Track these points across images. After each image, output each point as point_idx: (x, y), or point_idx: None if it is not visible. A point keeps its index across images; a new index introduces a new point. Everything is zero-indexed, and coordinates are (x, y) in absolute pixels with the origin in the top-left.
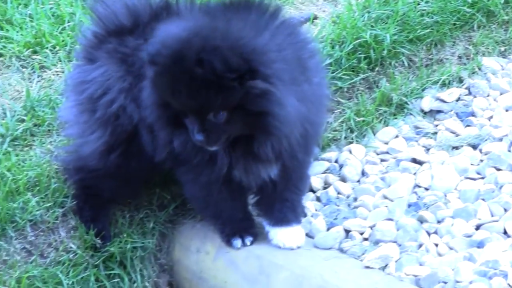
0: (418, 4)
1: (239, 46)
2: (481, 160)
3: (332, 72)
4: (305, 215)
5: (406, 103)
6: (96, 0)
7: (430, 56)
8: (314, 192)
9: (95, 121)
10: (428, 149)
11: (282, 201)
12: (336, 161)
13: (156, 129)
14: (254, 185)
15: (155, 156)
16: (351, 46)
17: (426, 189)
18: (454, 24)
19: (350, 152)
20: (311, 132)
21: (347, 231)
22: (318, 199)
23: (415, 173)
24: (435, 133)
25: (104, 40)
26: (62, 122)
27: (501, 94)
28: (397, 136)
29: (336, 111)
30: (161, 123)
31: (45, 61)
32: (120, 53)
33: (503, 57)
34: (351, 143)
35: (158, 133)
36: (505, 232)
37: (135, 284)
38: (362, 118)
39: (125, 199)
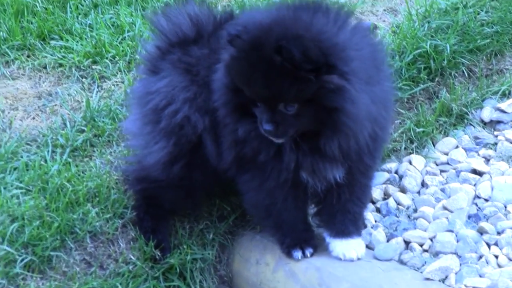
0: (478, 14)
1: (320, 40)
2: None
3: (392, 83)
4: (365, 227)
5: (466, 113)
6: (157, 13)
7: (490, 66)
8: (374, 203)
9: (159, 132)
10: (488, 160)
11: (344, 212)
12: (396, 172)
13: (222, 115)
14: (320, 187)
15: (220, 163)
16: (411, 56)
17: (486, 200)
18: None
19: (410, 163)
20: (379, 135)
21: (407, 243)
22: (378, 210)
23: (475, 184)
24: (495, 143)
25: (168, 51)
26: (126, 134)
27: None
28: (457, 147)
29: (396, 121)
30: (228, 109)
31: (105, 71)
32: (184, 63)
33: None
34: (411, 153)
35: (223, 119)
36: None
37: None
38: (422, 129)
39: (186, 211)
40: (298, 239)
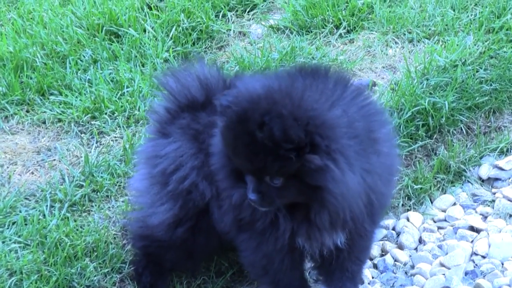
0: (477, 71)
1: (307, 117)
2: None
3: (395, 148)
4: (362, 283)
5: (464, 170)
6: (167, 74)
7: (488, 124)
8: (371, 259)
9: (166, 194)
10: (486, 217)
11: (342, 270)
12: (393, 229)
13: (218, 179)
14: (318, 253)
15: (222, 226)
16: (409, 114)
17: (483, 257)
18: None
19: (408, 219)
20: (378, 202)
21: None
22: (375, 266)
23: (472, 241)
24: (493, 201)
25: (177, 115)
26: (132, 191)
27: None
28: (454, 204)
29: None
30: (224, 173)
31: (103, 127)
32: (193, 130)
33: None
34: (408, 210)
35: (220, 183)
36: None
37: None
38: (420, 186)
39: (185, 271)
40: None
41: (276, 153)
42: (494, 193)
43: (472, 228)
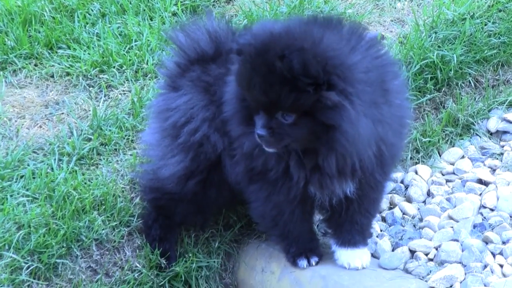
0: (485, 24)
1: (327, 57)
2: None
3: (406, 100)
4: (371, 236)
5: (472, 123)
6: (176, 29)
7: (496, 77)
8: (380, 212)
9: (177, 146)
10: (494, 170)
11: (352, 223)
12: (402, 182)
13: (230, 127)
14: (328, 202)
15: (233, 178)
16: (418, 67)
17: (492, 210)
18: None
19: (416, 172)
20: (388, 153)
21: (412, 252)
22: (383, 219)
23: (480, 194)
24: (501, 154)
25: (188, 68)
26: (143, 144)
27: None
28: (463, 157)
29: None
30: (236, 120)
31: (112, 80)
32: (203, 82)
33: None
34: (417, 163)
35: (232, 131)
36: None
37: None
38: (428, 139)
39: (195, 225)
40: (304, 248)
41: (293, 86)
42: (503, 146)
43: (480, 181)
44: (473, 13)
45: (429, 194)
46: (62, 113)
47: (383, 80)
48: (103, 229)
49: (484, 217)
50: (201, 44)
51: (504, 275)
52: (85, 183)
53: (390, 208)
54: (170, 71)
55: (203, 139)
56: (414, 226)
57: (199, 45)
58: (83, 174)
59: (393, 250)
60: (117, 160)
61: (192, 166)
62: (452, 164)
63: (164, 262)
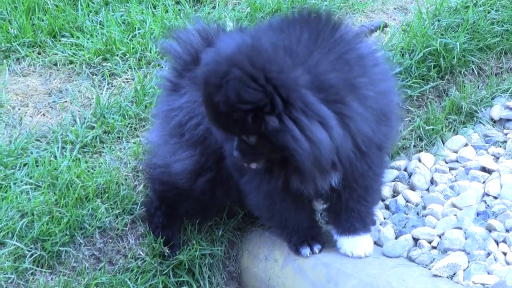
0: (488, 12)
1: (266, 78)
2: None
3: (402, 81)
4: (374, 224)
5: (475, 111)
6: (168, 40)
7: (500, 65)
8: (383, 200)
9: (185, 142)
10: (498, 158)
11: (348, 211)
12: (405, 170)
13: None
14: (313, 193)
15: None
16: (421, 55)
17: (495, 197)
18: None
19: (419, 160)
20: (366, 144)
21: (416, 240)
22: (387, 207)
23: (484, 182)
24: (505, 141)
25: (186, 70)
26: (150, 145)
27: None
28: (466, 145)
29: (405, 119)
30: (214, 128)
31: (115, 68)
32: None
33: None
34: (420, 151)
35: (214, 134)
36: None
37: None
38: (431, 127)
39: (196, 219)
40: (305, 236)
41: (232, 116)
42: (506, 134)
43: (483, 169)
44: (476, 1)
45: (432, 182)
46: (66, 101)
47: (349, 78)
48: (106, 217)
49: (488, 205)
50: (194, 45)
51: (507, 263)
52: (88, 171)
53: (393, 196)
54: (168, 77)
55: (206, 133)
56: (417, 214)
57: (192, 47)
58: (86, 162)
59: (396, 238)
60: (120, 148)
61: (202, 160)
62: (456, 152)
63: (167, 251)
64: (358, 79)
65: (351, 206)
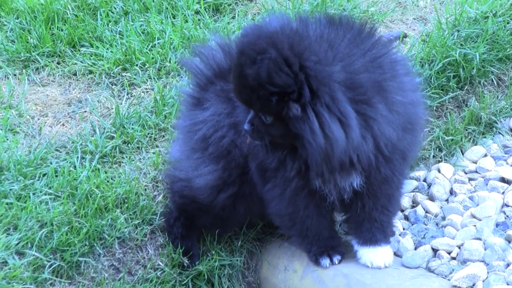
0: (508, 23)
1: (301, 66)
2: None
3: (422, 91)
4: (393, 234)
5: (495, 122)
6: (191, 55)
7: None
8: (402, 210)
9: (208, 156)
10: None
11: (371, 221)
12: (424, 180)
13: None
14: (336, 195)
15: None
16: (440, 65)
17: None
18: None
19: (439, 171)
20: (390, 148)
21: (435, 250)
22: (406, 217)
23: (503, 192)
24: None
25: (209, 83)
26: (173, 160)
27: None
28: (485, 155)
29: (425, 129)
30: (240, 107)
31: (134, 78)
32: (226, 91)
33: None
34: (439, 162)
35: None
36: None
37: None
38: (451, 137)
39: (214, 232)
40: (325, 246)
41: (259, 92)
42: None
43: (503, 180)
44: (496, 11)
45: (451, 192)
46: (85, 111)
47: (380, 80)
48: (125, 227)
49: (507, 216)
50: (217, 60)
51: None
52: (108, 181)
53: (412, 207)
54: (191, 92)
55: (231, 145)
56: (436, 224)
57: (215, 61)
58: (106, 172)
59: (415, 249)
60: (140, 158)
61: (224, 175)
62: (475, 162)
63: (187, 261)
64: (388, 82)
65: (374, 216)
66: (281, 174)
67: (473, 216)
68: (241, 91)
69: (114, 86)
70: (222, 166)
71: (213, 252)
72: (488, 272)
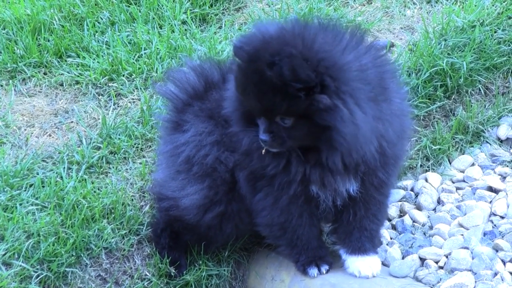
0: (495, 32)
1: (318, 58)
2: None
3: (409, 100)
4: (381, 244)
5: (482, 131)
6: (165, 81)
7: (506, 84)
8: (389, 220)
9: (193, 176)
10: (504, 177)
11: (361, 229)
12: (412, 189)
13: (231, 125)
14: (332, 201)
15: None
16: (427, 74)
17: (502, 217)
18: None
19: (426, 180)
20: (390, 151)
21: (423, 260)
22: (393, 227)
23: (491, 201)
24: (511, 161)
25: (186, 106)
26: (157, 182)
27: None
28: (473, 164)
29: (412, 139)
30: (235, 116)
31: (121, 89)
32: (205, 111)
33: None
34: (427, 171)
35: (232, 128)
36: None
37: None
38: (438, 146)
39: (200, 247)
40: (314, 256)
41: (285, 92)
42: None
43: (490, 189)
44: (483, 21)
45: (439, 201)
46: (72, 122)
47: (383, 78)
48: (112, 238)
49: (494, 225)
50: (191, 83)
51: None
52: (95, 192)
53: (400, 216)
54: (169, 117)
55: (215, 163)
56: (424, 234)
57: (189, 84)
58: (93, 183)
59: (403, 258)
60: (126, 169)
61: (211, 193)
62: (462, 171)
63: (174, 271)
64: (388, 82)
65: (365, 225)
66: (279, 181)
67: (461, 225)
68: (262, 98)
69: (100, 97)
70: (207, 184)
71: (200, 262)
72: (475, 281)
